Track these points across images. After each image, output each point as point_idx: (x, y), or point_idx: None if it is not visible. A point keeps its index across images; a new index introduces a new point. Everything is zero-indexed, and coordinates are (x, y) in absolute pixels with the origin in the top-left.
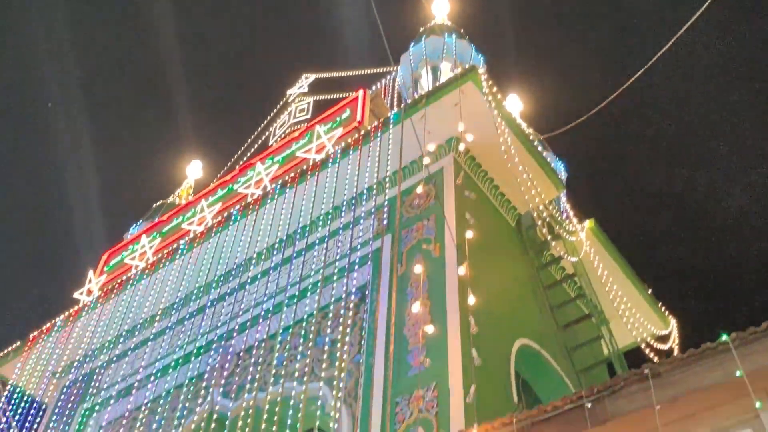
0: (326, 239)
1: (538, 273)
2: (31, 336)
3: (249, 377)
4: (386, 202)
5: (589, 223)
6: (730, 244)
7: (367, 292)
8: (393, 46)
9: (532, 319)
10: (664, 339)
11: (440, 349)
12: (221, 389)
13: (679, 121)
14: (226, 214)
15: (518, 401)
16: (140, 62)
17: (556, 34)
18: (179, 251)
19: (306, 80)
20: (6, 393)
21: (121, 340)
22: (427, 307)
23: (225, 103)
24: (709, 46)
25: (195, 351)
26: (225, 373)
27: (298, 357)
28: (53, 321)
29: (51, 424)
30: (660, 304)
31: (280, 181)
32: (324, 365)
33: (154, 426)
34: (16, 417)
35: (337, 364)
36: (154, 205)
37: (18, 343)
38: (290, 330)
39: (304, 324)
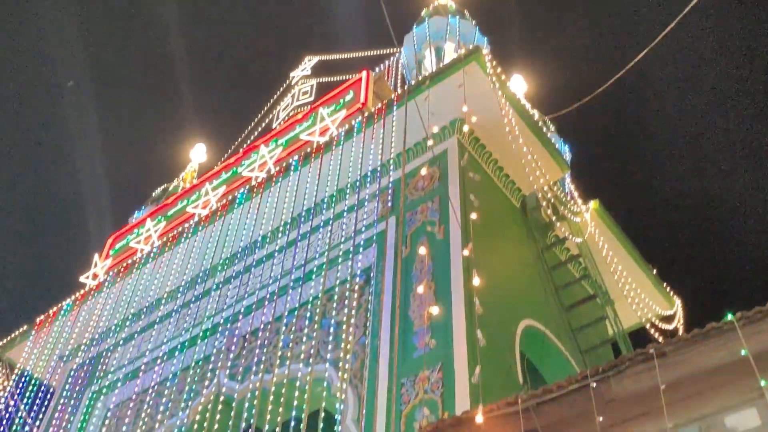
0: (330, 222)
1: (543, 254)
2: (38, 320)
3: (255, 359)
4: (390, 185)
5: (593, 204)
6: (736, 224)
7: (371, 275)
8: (396, 28)
9: (537, 300)
10: (668, 319)
11: (445, 330)
12: (227, 371)
13: (683, 101)
14: (230, 198)
15: (523, 382)
16: (144, 46)
17: (560, 15)
18: (184, 234)
19: (309, 62)
20: (14, 377)
21: (128, 323)
22: (431, 289)
23: (228, 86)
24: (714, 26)
25: (201, 334)
26: (231, 356)
27: (304, 339)
28: (60, 305)
29: (59, 407)
30: (665, 284)
31: (284, 164)
32: (329, 347)
33: (161, 408)
34: (25, 400)
35: (342, 345)
36: (158, 189)
37: (25, 327)
38: (296, 312)
39: (309, 306)
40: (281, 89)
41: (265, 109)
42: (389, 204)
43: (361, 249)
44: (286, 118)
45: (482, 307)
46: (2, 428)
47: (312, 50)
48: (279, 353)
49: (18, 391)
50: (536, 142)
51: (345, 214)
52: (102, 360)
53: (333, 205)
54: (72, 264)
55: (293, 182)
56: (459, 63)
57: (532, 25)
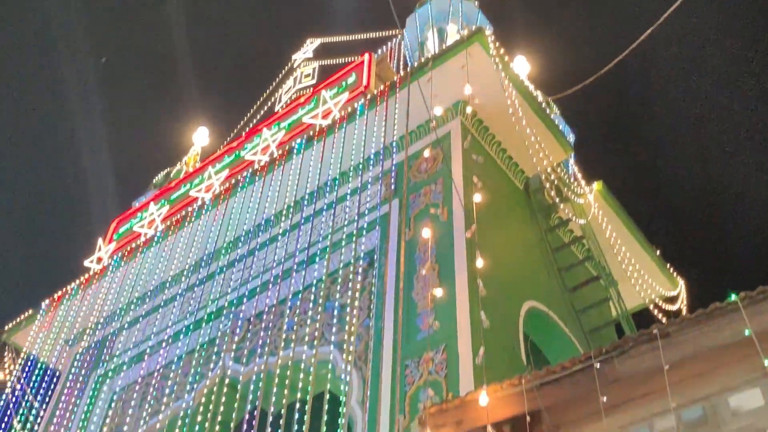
0: (334, 205)
1: (546, 236)
2: (43, 304)
3: (260, 342)
4: (393, 167)
5: (597, 186)
6: (740, 205)
7: (375, 257)
8: (398, 9)
9: (541, 282)
10: (672, 300)
11: (449, 312)
12: (232, 354)
13: (686, 82)
14: (233, 181)
15: (527, 363)
16: (146, 31)
17: None
18: (188, 218)
19: (311, 45)
20: (20, 361)
21: (133, 307)
22: (435, 271)
23: (230, 69)
24: (718, 7)
25: (206, 317)
26: (236, 339)
27: (308, 322)
28: (65, 289)
29: (65, 391)
30: (668, 265)
31: (286, 147)
32: (334, 329)
33: (167, 391)
34: (31, 384)
35: (346, 328)
36: (161, 174)
37: (30, 311)
38: (300, 295)
39: (313, 289)
40: (283, 72)
41: (268, 92)
42: (392, 186)
43: (364, 232)
44: (289, 101)
45: (486, 289)
46: (9, 412)
47: (314, 33)
48: (283, 336)
49: (24, 375)
50: (539, 124)
51: (348, 197)
52: (107, 344)
53: (336, 188)
54: (76, 249)
55: (296, 165)
56: (461, 44)
57: (534, 5)
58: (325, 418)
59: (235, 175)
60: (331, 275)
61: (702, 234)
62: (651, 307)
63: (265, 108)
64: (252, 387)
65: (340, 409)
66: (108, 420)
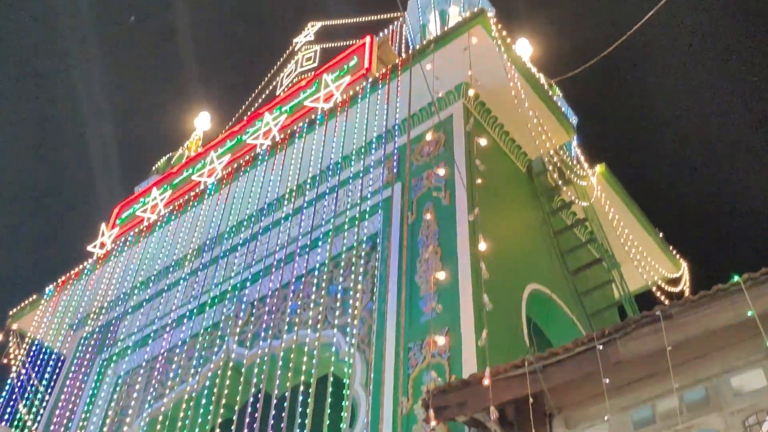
0: (336, 189)
1: (549, 218)
2: (47, 289)
3: (263, 326)
4: (396, 151)
5: (599, 168)
6: (743, 187)
7: (378, 241)
8: None
9: (543, 264)
10: (675, 282)
11: (452, 295)
12: (236, 338)
13: (689, 64)
14: (235, 165)
15: (530, 345)
16: (147, 16)
17: None
18: (191, 203)
19: (312, 28)
20: (25, 345)
21: (136, 291)
22: (438, 254)
23: (231, 53)
24: None
25: (209, 301)
26: (240, 322)
27: (311, 305)
28: (69, 274)
29: (70, 375)
30: (671, 247)
31: (288, 131)
32: (337, 313)
33: (171, 375)
34: (36, 369)
35: (349, 311)
36: (163, 159)
37: (34, 296)
38: (303, 279)
39: (316, 273)
40: (284, 56)
41: (269, 76)
42: (395, 170)
43: (367, 215)
44: (290, 84)
45: (488, 272)
46: (15, 396)
47: (315, 16)
48: (287, 319)
49: (29, 359)
50: (542, 106)
51: (351, 180)
52: (111, 328)
53: (338, 172)
54: (79, 234)
55: (298, 149)
56: (464, 26)
57: None
58: (328, 400)
59: (237, 159)
60: (334, 259)
61: (705, 216)
62: (654, 289)
63: (267, 92)
64: (256, 370)
65: (344, 392)
66: (113, 403)
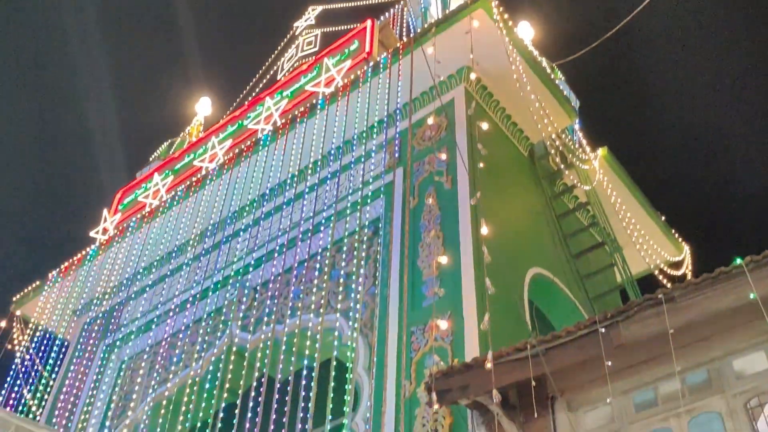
0: (338, 174)
1: (551, 202)
2: (50, 275)
3: (266, 310)
4: (397, 135)
5: (602, 151)
6: (746, 170)
7: (380, 225)
8: None
9: (546, 248)
10: (677, 265)
11: (454, 279)
12: (239, 323)
13: (692, 46)
14: (237, 150)
15: (532, 329)
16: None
17: None
18: (193, 188)
19: (313, 12)
20: (29, 331)
21: (139, 277)
22: (440, 239)
23: (232, 38)
24: None
25: (212, 286)
26: (243, 307)
27: (314, 290)
28: (71, 260)
29: (74, 361)
30: (673, 230)
31: (290, 116)
32: (339, 297)
33: (175, 359)
34: (40, 354)
35: (352, 296)
36: (164, 144)
37: (37, 282)
38: (305, 264)
39: (318, 258)
40: (285, 40)
41: (270, 60)
42: (396, 155)
43: (369, 200)
44: (291, 69)
45: (490, 256)
46: (20, 382)
47: (315, 0)
48: (290, 304)
49: (33, 345)
50: (544, 90)
51: (352, 165)
52: (115, 314)
53: (340, 156)
54: (81, 219)
55: (299, 134)
56: (465, 9)
57: None
58: (331, 384)
59: (239, 144)
60: (336, 244)
61: (707, 199)
62: (656, 272)
63: (268, 77)
64: (259, 355)
65: (347, 376)
66: (117, 389)
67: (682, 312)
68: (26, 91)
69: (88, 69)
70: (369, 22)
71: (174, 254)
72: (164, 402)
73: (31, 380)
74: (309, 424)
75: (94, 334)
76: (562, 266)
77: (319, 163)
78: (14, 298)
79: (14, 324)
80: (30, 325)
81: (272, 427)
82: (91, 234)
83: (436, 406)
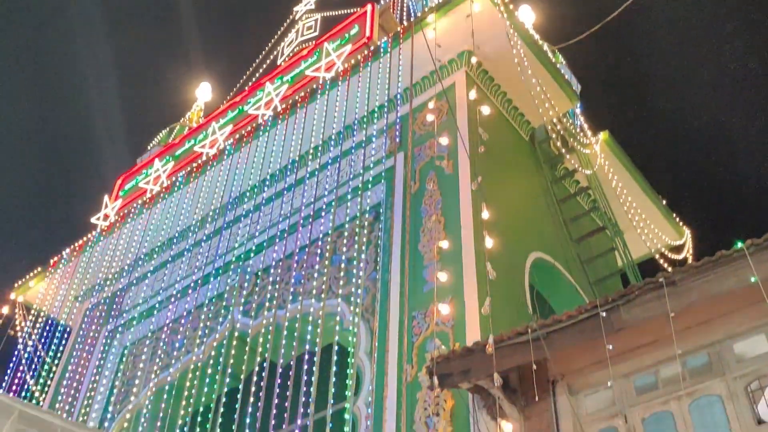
0: (339, 159)
1: (552, 186)
2: (51, 261)
3: (268, 296)
4: (398, 120)
5: (603, 135)
6: (746, 154)
7: (381, 210)
8: None
9: (546, 233)
10: (678, 249)
11: (455, 263)
12: (241, 308)
13: (692, 30)
14: (237, 136)
15: (533, 313)
16: None
17: None
18: (194, 174)
19: None
20: (31, 318)
21: (141, 262)
22: (441, 223)
23: (231, 23)
24: None
25: (213, 272)
26: (244, 293)
27: (315, 275)
28: (73, 246)
29: (76, 347)
30: (674, 214)
31: (290, 101)
32: (341, 282)
33: (177, 345)
34: (42, 341)
35: (354, 281)
36: (164, 130)
37: (39, 269)
38: (306, 249)
39: (319, 243)
40: (285, 25)
41: (270, 45)
42: (397, 140)
43: (369, 185)
44: (291, 54)
45: (492, 240)
46: (23, 368)
47: None
48: (291, 289)
49: (35, 331)
50: (545, 74)
51: (353, 150)
52: (117, 299)
53: (341, 141)
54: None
55: (300, 119)
56: None
57: None
58: (333, 369)
59: (239, 130)
60: (338, 229)
61: (708, 183)
62: (657, 256)
63: (268, 62)
64: (261, 340)
65: (349, 360)
66: (119, 374)
67: (682, 295)
68: (27, 79)
69: (88, 55)
70: (369, 7)
71: (175, 240)
72: (166, 387)
73: (33, 366)
74: (311, 409)
75: (96, 320)
76: (562, 250)
77: (319, 148)
78: (16, 285)
79: (16, 310)
80: (32, 312)
81: (274, 411)
82: (93, 220)
83: (437, 390)
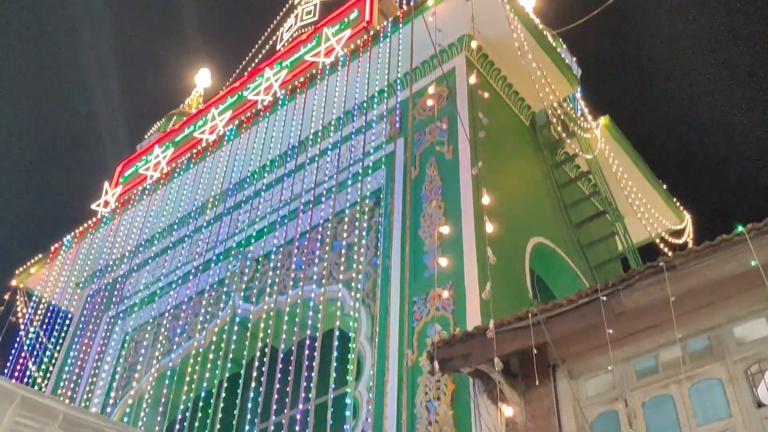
0: (339, 144)
1: (552, 171)
2: (52, 248)
3: (269, 282)
4: (398, 105)
5: (603, 120)
6: (746, 139)
7: (381, 196)
8: None
9: (547, 218)
10: (678, 234)
11: (456, 248)
12: (242, 294)
13: (694, 16)
14: (237, 122)
15: (533, 298)
16: None
17: None
18: (194, 160)
19: None
20: (32, 304)
21: (141, 249)
22: (441, 209)
23: (230, 8)
24: None
25: (214, 258)
26: (245, 279)
27: (316, 261)
28: (73, 233)
29: (78, 333)
30: (675, 199)
31: (289, 87)
32: (342, 268)
33: (178, 331)
34: (44, 327)
35: (354, 266)
36: (163, 117)
37: (40, 255)
38: (307, 235)
39: (320, 229)
40: (284, 10)
41: (269, 30)
42: (397, 125)
43: (370, 171)
44: (290, 39)
45: (492, 225)
46: (24, 355)
47: None
48: (292, 275)
49: (37, 318)
50: (545, 58)
51: (353, 136)
52: (118, 286)
53: (341, 127)
54: (83, 192)
55: (299, 105)
56: None
57: None
58: (334, 354)
59: (239, 115)
60: (338, 215)
61: (709, 167)
62: (657, 241)
63: (267, 47)
64: (262, 325)
65: (350, 346)
66: (121, 360)
67: (683, 280)
68: (27, 67)
69: (88, 41)
70: None
71: (176, 226)
72: (168, 373)
73: (35, 353)
74: (312, 394)
75: (97, 307)
76: (563, 235)
77: (319, 133)
78: (17, 272)
79: (17, 297)
80: (33, 298)
81: (275, 397)
82: (93, 207)
83: (438, 375)
